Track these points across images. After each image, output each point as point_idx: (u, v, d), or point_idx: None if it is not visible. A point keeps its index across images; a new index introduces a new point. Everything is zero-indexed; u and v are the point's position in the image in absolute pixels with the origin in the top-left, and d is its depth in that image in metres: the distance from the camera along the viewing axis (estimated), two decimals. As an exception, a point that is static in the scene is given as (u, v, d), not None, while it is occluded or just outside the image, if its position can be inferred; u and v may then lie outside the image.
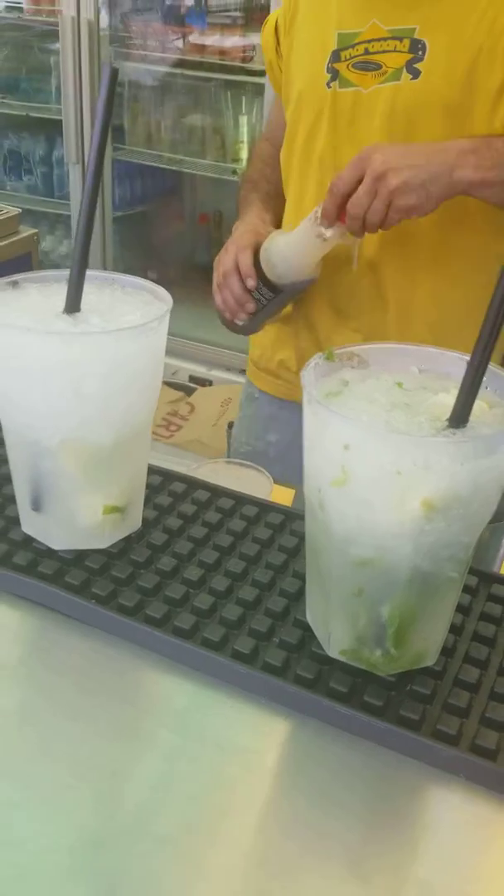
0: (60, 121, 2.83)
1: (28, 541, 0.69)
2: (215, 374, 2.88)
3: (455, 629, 0.63)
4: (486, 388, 0.56)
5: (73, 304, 0.63)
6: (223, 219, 3.11)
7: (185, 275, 3.20)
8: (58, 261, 3.17)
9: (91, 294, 0.65)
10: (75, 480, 0.65)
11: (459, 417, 0.53)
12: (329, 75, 1.11)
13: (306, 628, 0.63)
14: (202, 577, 0.66)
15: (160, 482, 0.78)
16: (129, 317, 0.64)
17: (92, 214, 0.62)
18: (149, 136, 2.92)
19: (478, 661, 0.61)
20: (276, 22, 1.26)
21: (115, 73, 0.60)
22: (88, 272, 0.65)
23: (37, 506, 0.66)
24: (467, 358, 0.58)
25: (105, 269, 3.01)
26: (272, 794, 0.54)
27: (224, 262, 1.16)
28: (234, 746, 0.56)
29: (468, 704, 0.57)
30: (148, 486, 0.75)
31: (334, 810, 0.53)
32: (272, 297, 1.14)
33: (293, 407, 1.31)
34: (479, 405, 0.54)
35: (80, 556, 0.67)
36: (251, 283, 1.12)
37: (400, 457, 0.49)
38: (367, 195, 0.98)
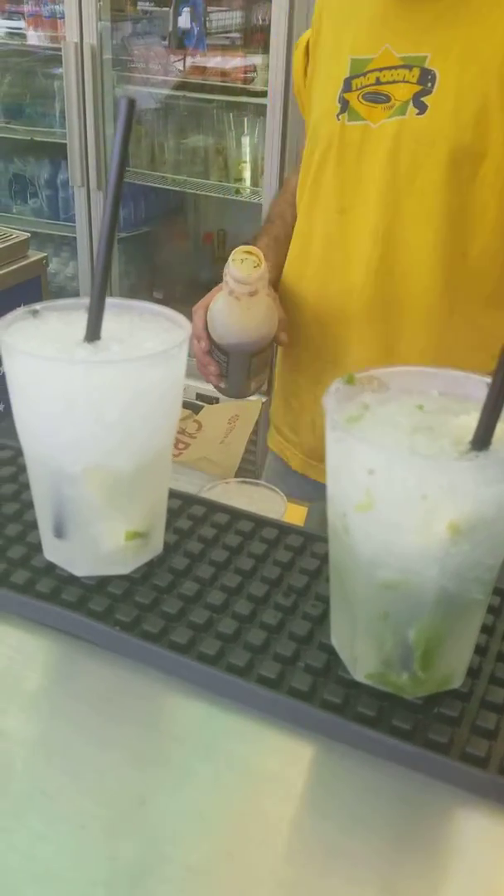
0: (65, 144, 2.85)
1: (50, 567, 0.69)
2: (222, 392, 2.89)
3: (479, 650, 0.63)
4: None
5: (93, 333, 0.63)
6: (227, 237, 3.13)
7: (191, 293, 3.21)
8: (64, 283, 3.19)
9: (110, 321, 0.66)
10: (98, 507, 0.65)
11: (482, 440, 0.53)
12: (339, 106, 1.05)
13: (331, 652, 0.63)
14: (225, 602, 0.67)
15: (180, 506, 0.78)
16: (149, 343, 0.64)
17: (111, 245, 0.62)
18: (152, 158, 2.94)
19: (504, 682, 0.61)
20: (307, 43, 1.16)
21: (131, 104, 0.60)
22: (106, 300, 0.66)
23: (59, 532, 0.67)
24: (488, 381, 0.58)
25: (111, 288, 3.03)
26: (302, 821, 0.54)
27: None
28: (263, 773, 0.56)
29: (496, 726, 0.57)
30: (169, 510, 0.75)
31: (364, 834, 0.52)
32: (227, 360, 1.10)
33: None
34: (501, 427, 0.54)
35: (102, 583, 0.68)
36: (203, 345, 1.11)
37: (425, 481, 0.50)
38: None
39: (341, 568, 0.58)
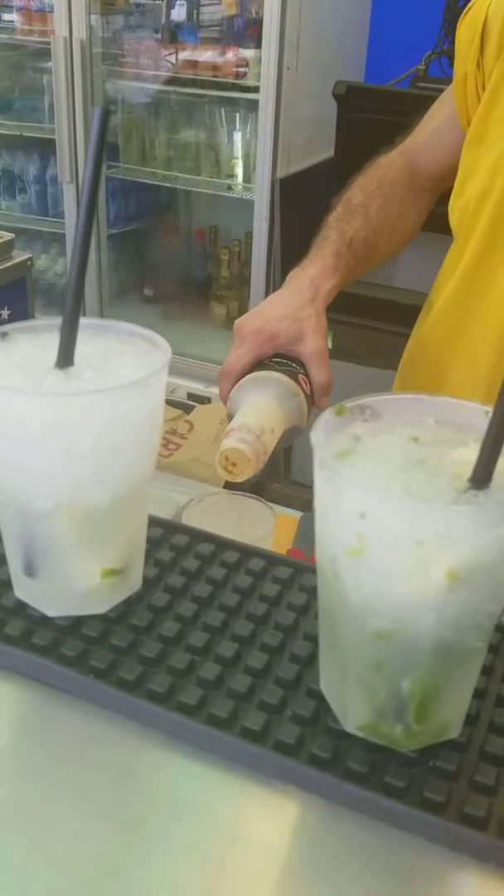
0: (54, 140, 2.80)
1: (21, 606, 0.65)
2: (214, 391, 2.84)
3: (478, 693, 0.58)
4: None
5: (65, 359, 0.59)
6: (218, 234, 3.08)
7: (182, 291, 3.18)
8: (53, 279, 3.14)
9: (84, 344, 0.62)
10: (71, 544, 0.61)
11: (482, 478, 0.49)
12: None
13: (320, 698, 0.59)
14: (208, 643, 0.62)
15: (161, 535, 0.74)
16: (126, 370, 0.60)
17: (84, 266, 0.58)
18: (143, 154, 2.89)
19: (503, 730, 0.57)
20: (486, 21, 0.92)
21: (105, 114, 0.56)
22: (81, 320, 0.62)
23: (30, 571, 0.63)
24: (486, 409, 0.54)
25: (100, 285, 2.98)
26: (291, 887, 0.50)
27: (225, 361, 0.92)
28: (245, 837, 0.52)
29: (496, 781, 0.53)
30: (148, 539, 0.71)
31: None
32: None
33: None
34: (501, 462, 0.50)
35: (77, 623, 0.63)
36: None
37: (420, 526, 0.46)
38: None
39: (331, 613, 0.54)
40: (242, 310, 2.96)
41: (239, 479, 0.86)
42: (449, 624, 0.49)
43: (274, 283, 2.64)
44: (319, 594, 0.55)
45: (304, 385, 0.91)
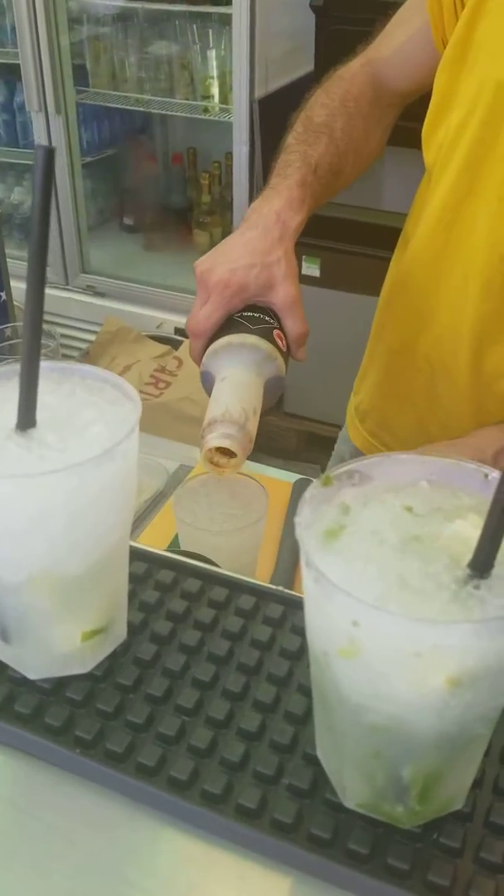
0: (19, 64, 2.64)
1: (2, 666, 0.62)
2: (201, 325, 2.76)
3: (481, 750, 0.56)
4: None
5: (26, 421, 0.54)
6: (197, 157, 2.95)
7: (162, 219, 3.06)
8: (28, 213, 3.01)
9: (47, 394, 0.57)
10: (46, 612, 0.58)
11: (483, 565, 0.45)
12: None
13: (316, 763, 0.56)
14: (198, 702, 0.60)
15: (145, 570, 0.70)
16: (94, 429, 0.55)
17: (38, 322, 0.52)
18: (113, 76, 2.73)
19: (509, 795, 0.55)
20: None
21: (50, 154, 0.50)
22: (46, 364, 0.56)
23: (5, 637, 0.59)
24: (484, 470, 0.50)
25: (78, 216, 2.86)
26: None
27: (191, 315, 0.85)
28: (245, 928, 0.50)
29: (503, 857, 0.51)
30: (132, 577, 0.68)
31: None
32: None
33: None
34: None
35: (60, 685, 0.60)
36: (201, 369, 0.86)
37: (418, 640, 0.42)
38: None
39: (325, 698, 0.51)
40: (225, 236, 2.86)
41: (226, 473, 0.83)
42: (451, 721, 0.46)
43: (257, 209, 2.53)
44: (313, 675, 0.52)
45: (279, 341, 0.85)
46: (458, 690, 0.44)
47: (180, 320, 2.79)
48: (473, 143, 0.86)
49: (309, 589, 0.46)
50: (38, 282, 0.51)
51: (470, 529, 0.47)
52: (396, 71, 0.98)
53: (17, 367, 0.55)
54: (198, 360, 0.86)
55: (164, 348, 2.79)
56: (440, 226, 0.93)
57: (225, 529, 0.88)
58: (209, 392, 0.83)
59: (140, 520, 1.10)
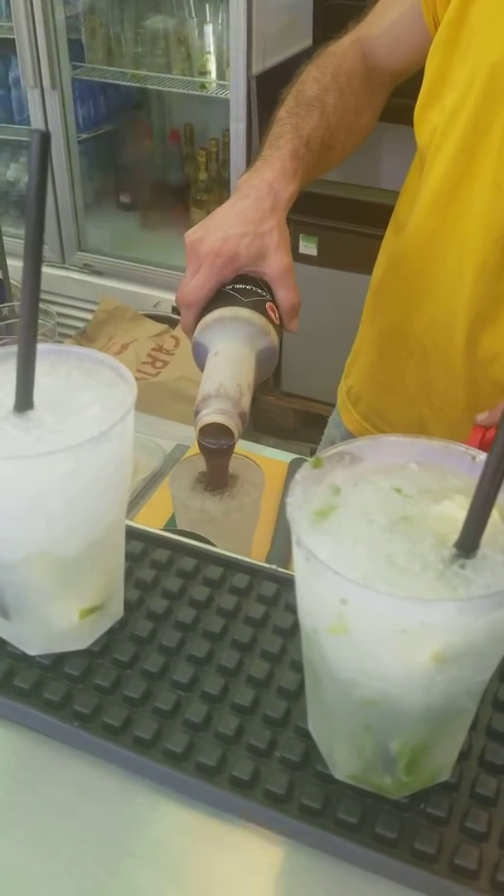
0: (13, 39, 2.62)
1: (1, 643, 0.63)
2: (198, 303, 2.76)
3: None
4: (501, 493, 0.49)
5: (23, 403, 0.55)
6: (194, 134, 2.93)
7: (159, 196, 3.05)
8: (24, 190, 3.00)
9: (44, 376, 0.58)
10: (45, 590, 0.59)
11: (469, 545, 0.46)
12: None
13: (308, 736, 0.58)
14: (193, 677, 0.61)
15: (141, 550, 0.72)
16: (90, 410, 0.56)
17: (35, 305, 0.53)
18: (109, 51, 2.70)
19: (494, 767, 0.56)
20: None
21: (45, 139, 0.50)
22: (43, 346, 0.58)
23: (4, 614, 0.61)
24: (472, 452, 0.51)
25: (74, 194, 2.85)
26: (282, 945, 0.51)
27: (181, 285, 0.85)
28: (239, 894, 0.52)
29: (487, 825, 0.53)
30: (129, 556, 0.69)
31: None
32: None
33: None
34: (491, 517, 0.47)
35: (59, 660, 0.62)
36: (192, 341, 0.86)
37: (405, 617, 0.43)
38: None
39: (316, 674, 0.52)
40: (223, 215, 2.84)
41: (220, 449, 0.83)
42: (437, 695, 0.47)
43: (254, 187, 2.52)
44: (304, 651, 0.53)
45: (272, 314, 0.84)
46: (443, 666, 0.45)
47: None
48: (468, 127, 0.86)
49: (300, 567, 0.47)
50: (34, 267, 0.52)
51: (457, 510, 0.49)
52: (386, 50, 0.98)
53: (14, 349, 0.56)
54: (189, 331, 0.86)
55: (161, 327, 2.79)
56: (435, 209, 0.93)
57: (221, 509, 0.90)
58: (201, 365, 0.84)
59: (137, 499, 1.11)
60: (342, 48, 1.00)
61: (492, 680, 0.60)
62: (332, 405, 1.26)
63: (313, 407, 2.67)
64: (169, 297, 2.80)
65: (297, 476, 0.50)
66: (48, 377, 0.59)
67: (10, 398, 0.56)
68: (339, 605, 0.45)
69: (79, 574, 0.59)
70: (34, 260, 0.51)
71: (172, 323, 2.78)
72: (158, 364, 2.71)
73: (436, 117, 0.90)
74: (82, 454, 0.52)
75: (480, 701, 0.60)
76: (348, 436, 1.15)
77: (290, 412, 2.79)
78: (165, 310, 2.81)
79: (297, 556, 0.47)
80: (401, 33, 0.95)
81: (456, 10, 0.85)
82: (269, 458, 1.16)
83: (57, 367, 0.60)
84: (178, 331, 2.74)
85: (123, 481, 0.58)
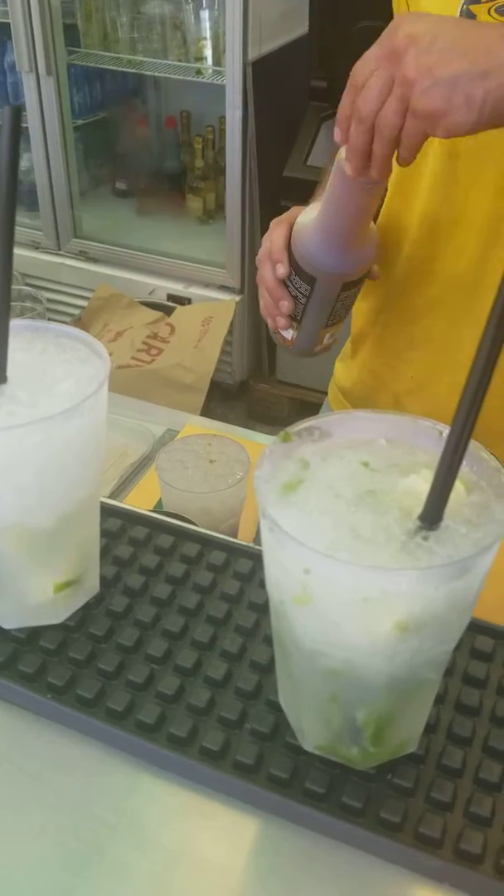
0: (8, 24, 2.61)
1: (-22, 617, 0.64)
2: (194, 291, 2.77)
3: (437, 697, 0.58)
4: (464, 465, 0.49)
5: (-3, 376, 0.56)
6: (191, 120, 2.92)
7: (155, 183, 3.04)
8: (19, 177, 2.99)
9: (18, 351, 0.58)
10: (19, 563, 0.59)
11: (432, 517, 0.47)
12: None
13: (278, 709, 0.59)
14: (167, 651, 0.62)
15: (119, 527, 0.72)
16: (63, 385, 0.57)
17: (9, 266, 0.54)
18: (105, 36, 2.69)
19: (461, 739, 0.57)
20: None
21: (17, 111, 0.51)
22: (19, 322, 0.59)
23: (-18, 588, 0.61)
24: (439, 427, 0.52)
25: (70, 180, 2.84)
26: (248, 911, 0.51)
27: (262, 249, 0.87)
28: (207, 861, 0.53)
29: (452, 796, 0.54)
30: (106, 533, 0.70)
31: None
32: (308, 293, 0.85)
33: None
34: (455, 488, 0.48)
35: (34, 634, 0.63)
36: (281, 270, 0.84)
37: (366, 585, 0.44)
38: (379, 86, 0.65)
39: (284, 645, 0.53)
40: (219, 202, 2.84)
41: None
42: (400, 665, 0.48)
43: (250, 173, 2.52)
44: (273, 624, 0.54)
45: None
46: (405, 636, 0.46)
47: (172, 286, 2.79)
48: (441, 145, 0.85)
49: (265, 538, 0.48)
50: (6, 242, 0.52)
51: (422, 484, 0.49)
52: None
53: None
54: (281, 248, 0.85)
55: (156, 315, 2.79)
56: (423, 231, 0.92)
57: (207, 491, 0.90)
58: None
59: (126, 483, 1.12)
60: None
61: (461, 654, 0.61)
62: (326, 394, 1.26)
63: (308, 395, 2.67)
64: (164, 285, 2.80)
65: (266, 450, 0.50)
66: (23, 352, 0.59)
67: (-16, 373, 0.56)
68: (303, 575, 0.45)
69: (53, 547, 0.59)
70: (6, 234, 0.52)
71: (168, 310, 2.78)
72: (153, 352, 2.71)
73: None
74: (53, 427, 0.53)
75: (449, 675, 0.61)
76: None
77: (285, 400, 2.79)
78: (161, 297, 2.81)
79: (263, 527, 0.47)
80: None
81: None
82: (258, 443, 1.16)
83: (32, 342, 0.61)
84: (173, 318, 2.74)
85: (95, 455, 0.59)
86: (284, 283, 0.85)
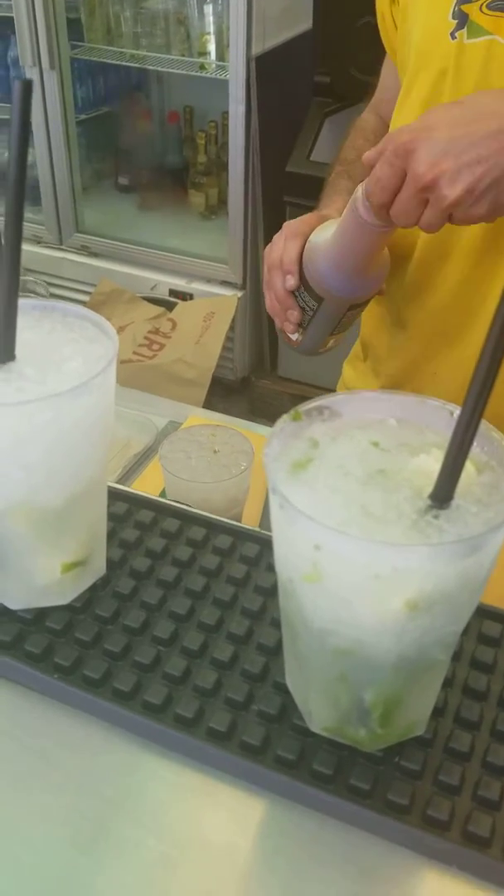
0: (12, 18, 2.60)
1: (-17, 598, 0.64)
2: (196, 286, 2.76)
3: (445, 682, 0.58)
4: (475, 445, 0.49)
5: (4, 354, 0.55)
6: (194, 116, 2.92)
7: (158, 178, 3.04)
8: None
9: (27, 330, 0.58)
10: (27, 542, 0.59)
11: (443, 496, 0.47)
12: (455, 22, 0.81)
13: (286, 691, 0.58)
14: (173, 633, 0.62)
15: (126, 510, 0.72)
16: (71, 363, 0.56)
17: (18, 245, 0.53)
18: (108, 31, 2.69)
19: (469, 723, 0.57)
20: None
21: (26, 88, 0.50)
22: (27, 301, 0.58)
23: (-12, 568, 0.61)
24: (449, 408, 0.52)
25: (72, 175, 2.84)
26: (255, 891, 0.51)
27: (271, 252, 0.90)
28: (212, 842, 0.53)
29: (460, 779, 0.54)
30: (112, 516, 0.70)
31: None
32: (316, 308, 0.87)
33: None
34: (465, 469, 0.48)
35: (40, 615, 0.62)
36: (291, 282, 0.87)
37: (377, 562, 0.44)
38: (414, 205, 0.70)
39: (292, 626, 0.53)
40: (221, 198, 2.84)
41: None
42: (409, 644, 0.48)
43: (253, 169, 2.51)
44: (281, 604, 0.54)
45: None
46: (415, 614, 0.46)
47: (174, 282, 2.78)
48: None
49: (275, 516, 0.48)
50: (17, 212, 0.52)
51: (433, 464, 0.49)
52: (388, 108, 1.01)
53: (-2, 304, 0.56)
54: (293, 261, 0.88)
55: (158, 310, 2.78)
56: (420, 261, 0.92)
57: (210, 481, 0.90)
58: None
59: (129, 474, 1.12)
60: (363, 119, 1.10)
61: (469, 639, 0.61)
62: (328, 390, 1.25)
63: (309, 392, 2.66)
64: (166, 280, 2.79)
65: (275, 428, 0.50)
66: (31, 331, 0.59)
67: (-8, 351, 0.56)
68: (314, 552, 0.45)
69: (60, 527, 0.59)
70: (16, 207, 0.51)
71: (169, 306, 2.77)
72: (155, 347, 2.71)
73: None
74: (62, 404, 0.53)
75: (457, 660, 0.60)
76: None
77: (287, 397, 2.78)
78: (162, 292, 2.81)
79: (273, 503, 0.47)
80: (390, 86, 1.00)
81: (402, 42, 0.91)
82: (260, 435, 1.16)
83: (41, 321, 0.60)
84: (174, 313, 2.74)
85: (103, 435, 0.59)
86: (293, 293, 0.88)
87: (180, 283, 2.78)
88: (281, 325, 0.92)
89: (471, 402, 0.45)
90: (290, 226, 0.89)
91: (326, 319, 0.88)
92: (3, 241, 0.52)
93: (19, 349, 0.56)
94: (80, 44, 2.70)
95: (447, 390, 0.95)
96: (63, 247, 2.92)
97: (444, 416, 0.52)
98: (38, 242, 2.90)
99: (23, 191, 0.52)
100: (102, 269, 2.86)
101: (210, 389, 2.62)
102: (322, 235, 0.84)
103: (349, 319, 0.90)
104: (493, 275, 0.87)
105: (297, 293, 0.87)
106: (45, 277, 2.92)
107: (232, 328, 2.68)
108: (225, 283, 2.71)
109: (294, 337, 0.92)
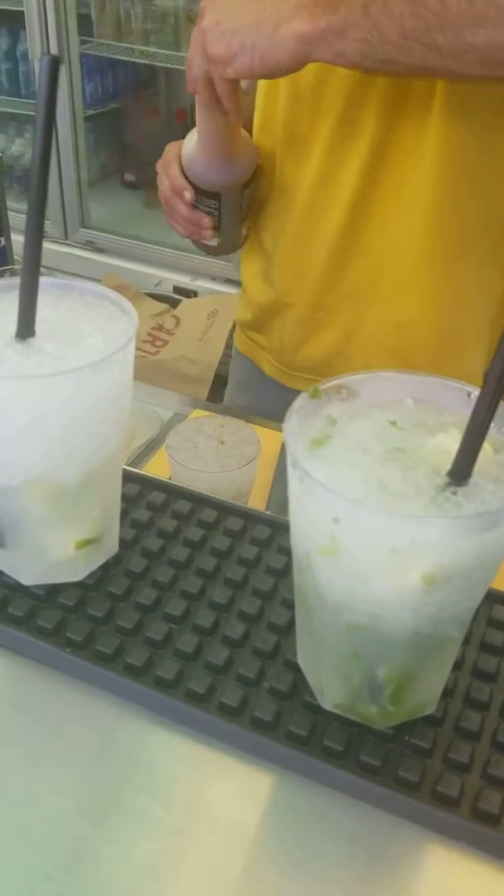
0: (22, 11, 2.61)
1: (-3, 573, 0.64)
2: (200, 284, 2.77)
3: (455, 664, 0.59)
4: (492, 426, 0.50)
5: (25, 329, 0.56)
6: (202, 114, 2.92)
7: (165, 176, 3.04)
8: (29, 165, 3.00)
9: (46, 308, 0.58)
10: (42, 518, 0.60)
11: (462, 473, 0.47)
12: None
13: (297, 669, 0.59)
14: (185, 611, 0.62)
15: (138, 492, 0.73)
16: (91, 340, 0.57)
17: (40, 233, 0.54)
18: (118, 26, 2.70)
19: (479, 703, 0.57)
20: None
21: (54, 63, 0.51)
22: (46, 280, 0.59)
23: (2, 543, 0.61)
24: (468, 389, 0.52)
25: (79, 171, 2.85)
26: (266, 865, 0.51)
27: (161, 189, 1.00)
28: (223, 816, 0.53)
29: (470, 757, 0.54)
30: (125, 497, 0.70)
31: (333, 876, 0.50)
32: (218, 205, 0.98)
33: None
34: (482, 449, 0.48)
35: (53, 591, 0.63)
36: (188, 196, 0.97)
37: (395, 535, 0.44)
38: (194, 39, 0.79)
39: (306, 601, 0.53)
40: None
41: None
42: (425, 620, 0.48)
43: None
44: (295, 580, 0.54)
45: None
46: (432, 589, 0.46)
47: (179, 279, 2.79)
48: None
49: (294, 489, 0.48)
50: (40, 188, 0.53)
51: (451, 443, 0.49)
52: None
53: (16, 280, 0.57)
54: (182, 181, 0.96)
55: (162, 306, 2.79)
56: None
57: (216, 471, 0.90)
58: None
59: (134, 465, 1.12)
60: None
61: (479, 623, 0.62)
62: None
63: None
64: (170, 277, 2.80)
65: (295, 405, 0.51)
66: (50, 309, 0.60)
67: (12, 326, 0.57)
68: (332, 525, 0.45)
69: (76, 504, 0.60)
70: (41, 182, 0.52)
71: (173, 303, 2.78)
72: (158, 343, 2.71)
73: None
74: (82, 378, 0.53)
75: (467, 643, 0.61)
76: None
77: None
78: (167, 289, 2.81)
79: (292, 477, 0.48)
80: None
81: None
82: (263, 429, 1.16)
83: (60, 300, 0.61)
84: (178, 310, 2.75)
85: (121, 413, 0.59)
86: (194, 205, 0.98)
87: (185, 280, 2.79)
88: (200, 237, 1.02)
89: (492, 382, 0.45)
90: (161, 162, 0.99)
91: (231, 209, 0.99)
92: (27, 213, 0.53)
93: (39, 326, 0.57)
94: (89, 39, 2.71)
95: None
96: (68, 242, 2.93)
97: (461, 397, 0.52)
98: (44, 237, 2.90)
99: (47, 161, 0.53)
100: (107, 265, 2.87)
101: (212, 386, 2.63)
102: (189, 144, 0.95)
103: (247, 201, 1.02)
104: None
105: (197, 204, 0.98)
106: (49, 273, 2.92)
107: (235, 326, 2.68)
108: (229, 281, 2.72)
109: (214, 242, 1.04)
